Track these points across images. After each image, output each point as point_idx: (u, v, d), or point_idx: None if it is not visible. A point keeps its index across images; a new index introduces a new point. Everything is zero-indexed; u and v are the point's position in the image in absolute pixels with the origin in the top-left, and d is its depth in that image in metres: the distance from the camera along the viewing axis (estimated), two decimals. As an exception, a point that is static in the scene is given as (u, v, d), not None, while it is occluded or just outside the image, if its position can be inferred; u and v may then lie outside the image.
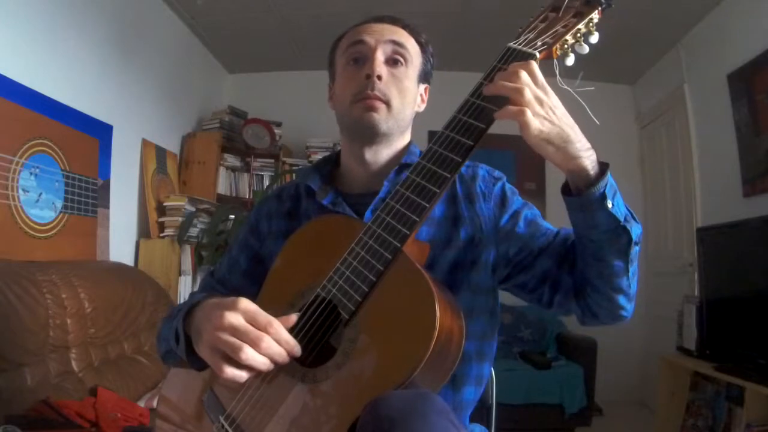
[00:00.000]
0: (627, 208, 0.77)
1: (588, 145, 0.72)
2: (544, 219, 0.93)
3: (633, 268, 0.78)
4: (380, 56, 0.90)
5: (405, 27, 0.96)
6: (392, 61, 0.92)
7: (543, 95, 0.68)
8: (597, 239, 0.75)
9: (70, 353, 1.85)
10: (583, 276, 0.81)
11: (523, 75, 0.68)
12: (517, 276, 0.89)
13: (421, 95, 0.99)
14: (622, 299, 0.80)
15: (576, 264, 0.83)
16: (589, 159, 0.71)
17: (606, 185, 0.71)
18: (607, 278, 0.78)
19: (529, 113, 0.66)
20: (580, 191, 0.73)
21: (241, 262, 1.00)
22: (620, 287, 0.79)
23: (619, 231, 0.74)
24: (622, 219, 0.73)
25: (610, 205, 0.72)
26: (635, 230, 0.75)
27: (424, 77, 0.99)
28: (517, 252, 0.88)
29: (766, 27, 2.53)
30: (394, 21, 0.96)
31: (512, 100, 0.67)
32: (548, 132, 0.68)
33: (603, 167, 0.73)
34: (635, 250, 0.77)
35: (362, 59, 0.91)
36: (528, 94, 0.67)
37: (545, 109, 0.67)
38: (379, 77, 0.88)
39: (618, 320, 0.83)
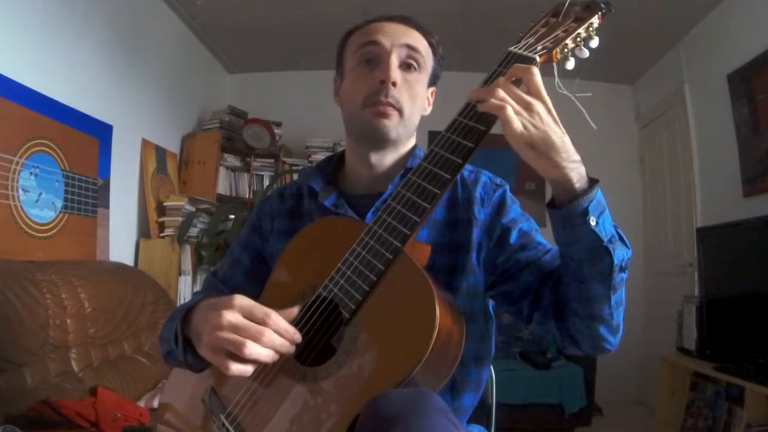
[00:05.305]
0: (616, 229, 0.74)
1: (576, 157, 0.69)
2: (542, 223, 0.92)
3: (617, 296, 0.74)
4: (395, 60, 0.88)
5: (418, 28, 0.93)
6: (406, 66, 0.90)
7: (534, 101, 0.67)
8: (578, 257, 0.73)
9: (70, 353, 1.85)
10: (565, 297, 0.79)
11: (500, 80, 0.68)
12: (501, 285, 0.88)
13: (428, 98, 0.98)
14: (603, 329, 0.77)
15: (560, 284, 0.81)
16: (574, 171, 0.68)
17: (592, 201, 0.69)
18: (586, 302, 0.75)
19: (510, 111, 0.65)
20: (563, 204, 0.71)
21: (244, 261, 1.00)
22: (600, 315, 0.75)
23: (601, 251, 0.70)
24: (605, 239, 0.70)
25: (593, 223, 0.69)
26: (620, 254, 0.72)
27: (433, 80, 0.97)
28: (505, 261, 0.87)
29: (766, 27, 2.53)
30: (406, 21, 0.92)
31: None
32: (531, 135, 0.65)
33: (592, 183, 0.70)
34: (620, 276, 0.73)
35: (375, 61, 0.89)
36: (500, 94, 0.66)
37: (531, 114, 0.66)
38: (394, 84, 0.86)
39: (600, 351, 0.80)
